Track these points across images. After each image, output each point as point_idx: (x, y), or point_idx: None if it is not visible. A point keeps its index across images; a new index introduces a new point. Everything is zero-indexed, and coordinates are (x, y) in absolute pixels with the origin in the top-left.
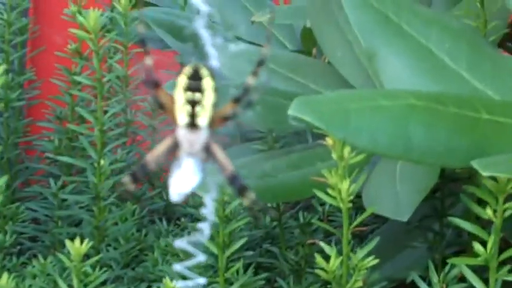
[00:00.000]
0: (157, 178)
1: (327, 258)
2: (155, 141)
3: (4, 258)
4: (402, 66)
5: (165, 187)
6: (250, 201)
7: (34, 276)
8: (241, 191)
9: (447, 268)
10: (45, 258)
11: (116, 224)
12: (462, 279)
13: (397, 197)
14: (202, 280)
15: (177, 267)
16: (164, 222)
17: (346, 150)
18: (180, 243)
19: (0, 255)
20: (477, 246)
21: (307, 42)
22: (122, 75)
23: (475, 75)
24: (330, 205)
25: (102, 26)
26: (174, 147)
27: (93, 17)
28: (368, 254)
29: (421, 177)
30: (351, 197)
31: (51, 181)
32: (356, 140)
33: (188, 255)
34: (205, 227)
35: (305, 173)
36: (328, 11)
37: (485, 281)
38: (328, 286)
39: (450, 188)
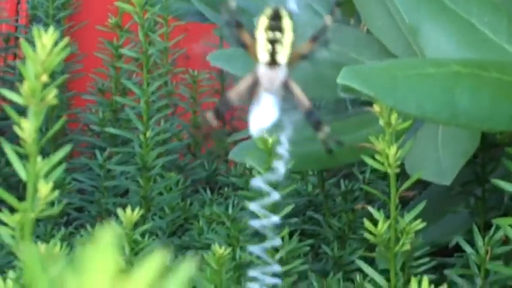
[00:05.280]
0: (199, 148)
1: (374, 222)
2: (196, 112)
3: (53, 228)
4: (445, 41)
5: (206, 157)
6: (325, 136)
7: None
8: (316, 125)
9: (491, 231)
10: (92, 227)
11: (161, 194)
12: (506, 242)
13: (440, 161)
14: (276, 218)
15: (253, 206)
16: (208, 192)
17: (393, 117)
18: (256, 181)
19: (49, 225)
20: None
21: (345, 12)
22: (163, 47)
23: None
24: (370, 172)
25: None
26: (255, 84)
27: None
28: (414, 218)
29: (463, 142)
30: (398, 162)
31: (97, 152)
32: (404, 106)
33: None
34: (280, 166)
35: (350, 139)
36: None
37: None
38: (373, 252)
39: (491, 153)
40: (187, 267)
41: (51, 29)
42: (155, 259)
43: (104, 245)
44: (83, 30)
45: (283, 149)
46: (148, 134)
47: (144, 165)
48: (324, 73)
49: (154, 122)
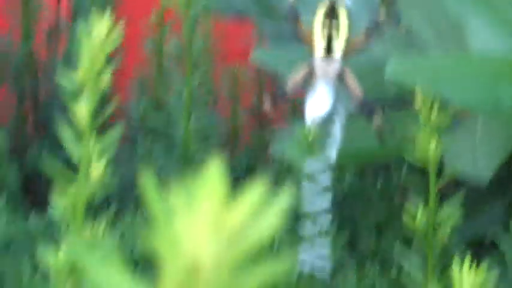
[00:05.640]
0: (237, 144)
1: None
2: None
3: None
4: (490, 36)
5: (247, 147)
6: (377, 125)
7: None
8: (370, 114)
9: None
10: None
11: None
12: None
13: (476, 161)
14: (326, 203)
15: (304, 189)
16: None
17: (434, 113)
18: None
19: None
20: None
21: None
22: (205, 45)
23: None
24: (407, 169)
25: None
26: (310, 75)
27: None
28: (452, 211)
29: (500, 142)
30: (438, 157)
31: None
32: (446, 98)
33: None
34: (332, 152)
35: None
36: None
37: None
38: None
39: None
40: (286, 196)
41: (107, 12)
42: (256, 188)
43: (212, 174)
44: (125, 24)
45: (335, 134)
46: (190, 127)
47: (185, 159)
48: (362, 72)
49: (195, 117)
